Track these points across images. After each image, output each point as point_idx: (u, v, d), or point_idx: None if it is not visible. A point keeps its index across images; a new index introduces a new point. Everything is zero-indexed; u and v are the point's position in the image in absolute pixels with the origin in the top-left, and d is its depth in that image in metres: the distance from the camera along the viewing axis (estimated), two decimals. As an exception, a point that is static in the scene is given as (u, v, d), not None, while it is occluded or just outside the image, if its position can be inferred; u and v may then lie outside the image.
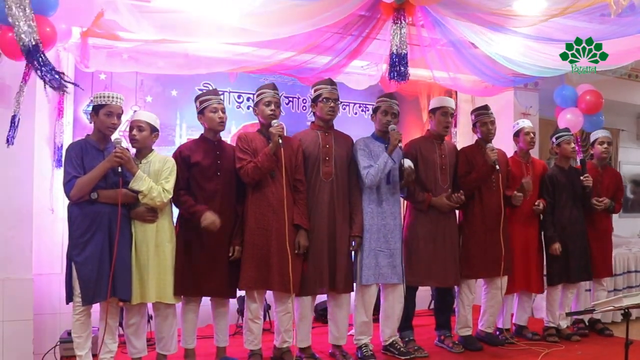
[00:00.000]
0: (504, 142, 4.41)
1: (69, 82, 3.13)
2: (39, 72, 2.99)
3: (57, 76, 3.01)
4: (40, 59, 2.96)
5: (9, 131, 3.19)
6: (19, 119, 3.18)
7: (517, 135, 4.36)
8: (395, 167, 3.71)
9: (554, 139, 4.50)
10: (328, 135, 3.70)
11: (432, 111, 4.04)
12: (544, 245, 4.41)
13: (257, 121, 3.70)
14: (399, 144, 3.67)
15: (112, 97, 3.17)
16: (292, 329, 3.59)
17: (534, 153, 5.14)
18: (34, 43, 2.92)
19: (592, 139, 4.73)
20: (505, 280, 4.11)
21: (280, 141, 3.35)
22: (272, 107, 3.50)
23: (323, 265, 3.57)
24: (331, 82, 3.69)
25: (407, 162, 3.73)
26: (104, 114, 3.15)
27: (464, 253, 4.05)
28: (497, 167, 3.91)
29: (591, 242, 4.48)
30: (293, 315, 3.54)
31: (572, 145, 4.45)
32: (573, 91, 5.16)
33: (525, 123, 4.36)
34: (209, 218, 3.29)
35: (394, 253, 3.75)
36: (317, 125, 3.73)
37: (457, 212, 4.15)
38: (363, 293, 3.73)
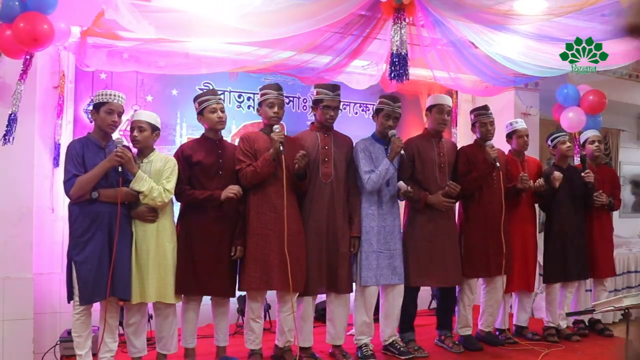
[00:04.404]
0: (503, 142, 4.39)
1: None
2: None
3: None
4: None
5: (6, 131, 3.18)
6: (16, 118, 3.16)
7: (510, 136, 4.34)
8: (395, 173, 3.73)
9: (549, 142, 4.51)
10: (327, 136, 3.69)
11: (429, 109, 4.03)
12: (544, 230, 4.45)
13: (258, 121, 3.70)
14: (401, 151, 3.65)
15: (114, 96, 3.18)
16: (294, 328, 3.59)
17: (534, 153, 5.15)
18: None
19: (581, 139, 4.70)
20: (505, 279, 4.11)
21: (281, 148, 3.34)
22: (276, 109, 3.49)
23: (322, 266, 3.57)
24: (334, 89, 3.64)
25: (403, 187, 3.73)
26: (104, 112, 3.15)
27: (465, 252, 4.04)
28: (498, 164, 3.92)
29: (594, 242, 4.48)
30: (294, 314, 3.53)
31: (568, 144, 4.44)
32: (576, 90, 5.13)
33: (520, 125, 4.31)
34: (231, 189, 3.33)
35: (394, 254, 3.75)
36: (316, 127, 3.73)
37: (456, 211, 4.16)
38: (363, 293, 3.73)
